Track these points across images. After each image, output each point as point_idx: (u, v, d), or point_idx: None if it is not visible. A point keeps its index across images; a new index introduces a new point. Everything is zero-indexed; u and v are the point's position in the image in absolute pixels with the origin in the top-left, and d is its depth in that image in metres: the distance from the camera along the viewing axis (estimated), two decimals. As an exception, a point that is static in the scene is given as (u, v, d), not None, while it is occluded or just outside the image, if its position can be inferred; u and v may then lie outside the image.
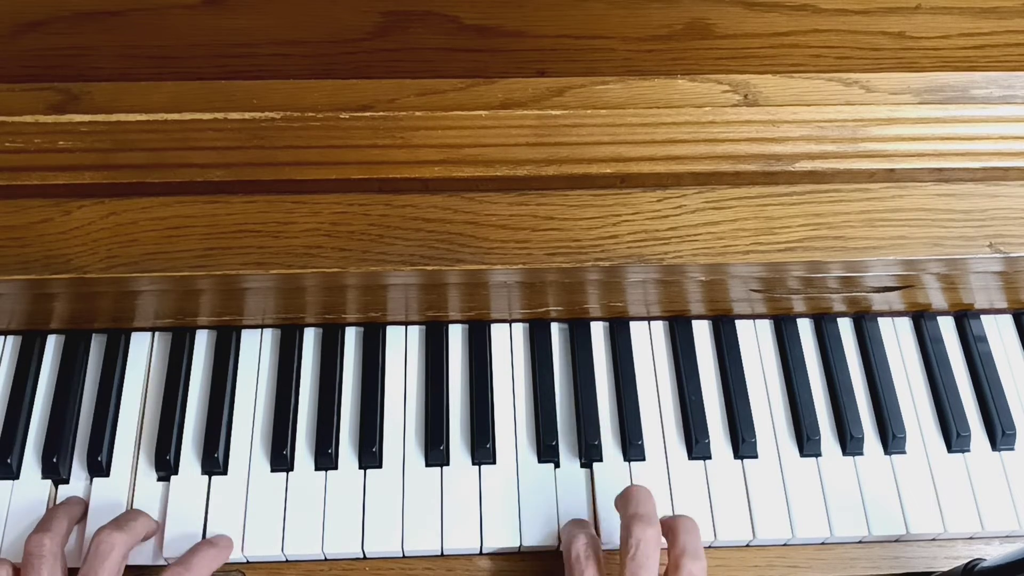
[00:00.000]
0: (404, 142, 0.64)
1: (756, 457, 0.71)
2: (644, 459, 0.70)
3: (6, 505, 0.67)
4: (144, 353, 0.73)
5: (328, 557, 0.67)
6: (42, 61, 0.64)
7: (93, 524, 0.65)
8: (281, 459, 0.68)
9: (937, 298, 0.75)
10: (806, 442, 0.71)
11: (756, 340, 0.76)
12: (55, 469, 0.68)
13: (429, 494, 0.68)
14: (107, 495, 0.67)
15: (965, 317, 0.77)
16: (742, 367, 0.74)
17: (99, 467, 0.68)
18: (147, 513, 0.65)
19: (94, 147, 0.63)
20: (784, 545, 0.69)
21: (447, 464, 0.69)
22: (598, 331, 0.76)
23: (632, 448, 0.70)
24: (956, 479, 0.70)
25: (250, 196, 0.63)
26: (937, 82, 0.68)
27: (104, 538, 0.59)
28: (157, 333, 0.74)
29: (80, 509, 0.66)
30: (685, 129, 0.65)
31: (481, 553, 0.67)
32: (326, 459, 0.69)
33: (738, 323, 0.76)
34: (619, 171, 0.64)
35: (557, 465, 0.70)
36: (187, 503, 0.67)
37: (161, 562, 0.65)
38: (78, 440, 0.70)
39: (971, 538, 0.69)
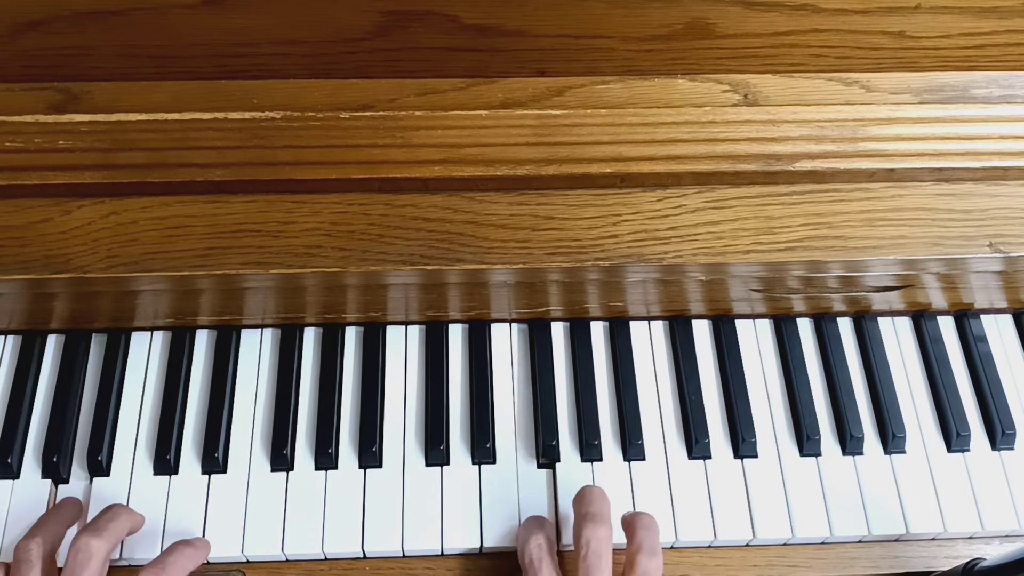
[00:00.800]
0: (404, 142, 0.64)
1: (756, 457, 0.71)
2: (644, 459, 0.70)
3: (6, 505, 0.67)
4: (144, 353, 0.73)
5: (328, 557, 0.67)
6: (42, 61, 0.64)
7: (93, 524, 0.65)
8: (281, 459, 0.68)
9: (937, 298, 0.75)
10: (806, 442, 0.71)
11: (756, 340, 0.76)
12: (55, 469, 0.68)
13: (429, 494, 0.68)
14: (107, 495, 0.67)
15: (965, 317, 0.77)
16: (742, 367, 0.74)
17: (99, 467, 0.68)
18: (128, 508, 0.65)
19: (94, 147, 0.63)
20: (784, 545, 0.69)
21: (447, 464, 0.69)
22: (598, 331, 0.76)
23: (632, 448, 0.70)
24: (956, 479, 0.70)
25: (250, 196, 0.63)
26: (937, 82, 0.68)
27: (82, 546, 0.58)
28: (157, 333, 0.74)
29: (75, 512, 0.65)
30: (685, 129, 0.65)
31: (481, 553, 0.67)
32: (326, 459, 0.69)
33: (738, 323, 0.76)
34: (619, 171, 0.64)
35: (557, 464, 0.70)
36: (187, 503, 0.67)
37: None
38: (78, 440, 0.70)
39: (971, 538, 0.69)
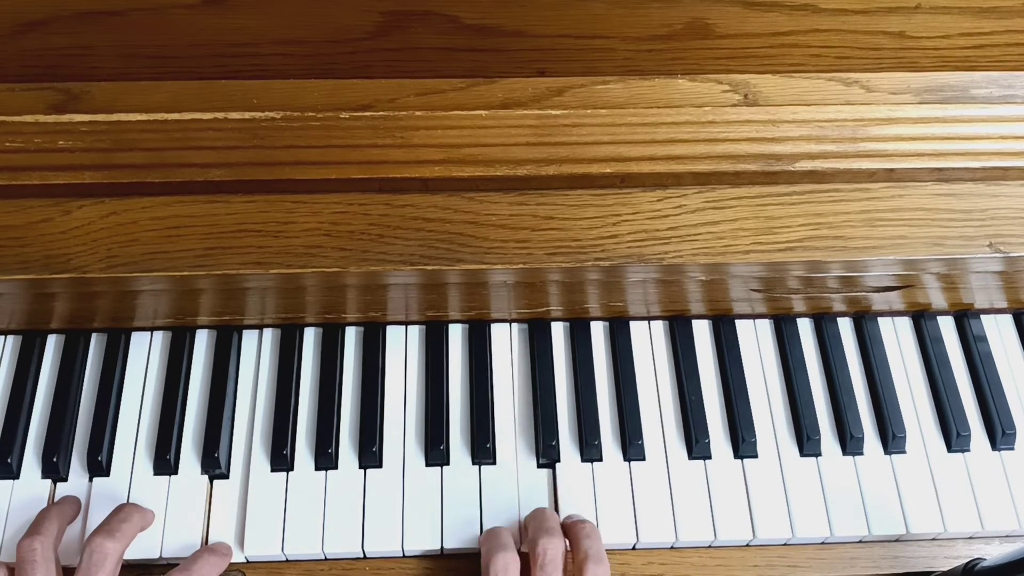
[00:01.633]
0: (404, 142, 0.64)
1: (756, 457, 0.71)
2: (644, 459, 0.70)
3: (6, 505, 0.67)
4: (144, 353, 0.73)
5: (328, 557, 0.67)
6: (42, 61, 0.64)
7: (94, 525, 0.64)
8: (281, 459, 0.68)
9: (937, 298, 0.75)
10: (806, 442, 0.71)
11: (756, 340, 0.76)
12: (55, 469, 0.68)
13: (429, 494, 0.68)
14: (107, 495, 0.67)
15: (965, 317, 0.77)
16: (742, 367, 0.74)
17: (99, 467, 0.68)
18: (140, 506, 0.65)
19: (94, 147, 0.63)
20: (784, 545, 0.69)
21: (447, 464, 0.69)
22: (598, 331, 0.76)
23: (632, 448, 0.70)
24: (956, 479, 0.70)
25: (250, 196, 0.63)
26: (937, 82, 0.68)
27: (96, 548, 0.59)
28: (157, 333, 0.74)
29: (73, 509, 0.65)
30: (685, 129, 0.65)
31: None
32: (326, 459, 0.69)
33: (738, 323, 0.76)
34: (619, 171, 0.64)
35: (557, 464, 0.70)
36: (187, 503, 0.67)
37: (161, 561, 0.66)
38: (78, 440, 0.70)
39: (971, 538, 0.69)
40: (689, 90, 0.67)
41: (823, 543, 0.69)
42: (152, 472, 0.68)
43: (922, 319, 0.77)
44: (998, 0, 0.64)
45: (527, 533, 0.65)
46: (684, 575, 0.67)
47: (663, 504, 0.68)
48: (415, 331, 0.75)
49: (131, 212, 0.63)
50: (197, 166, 0.63)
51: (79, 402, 0.71)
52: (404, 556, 0.67)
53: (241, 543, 0.66)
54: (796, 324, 0.76)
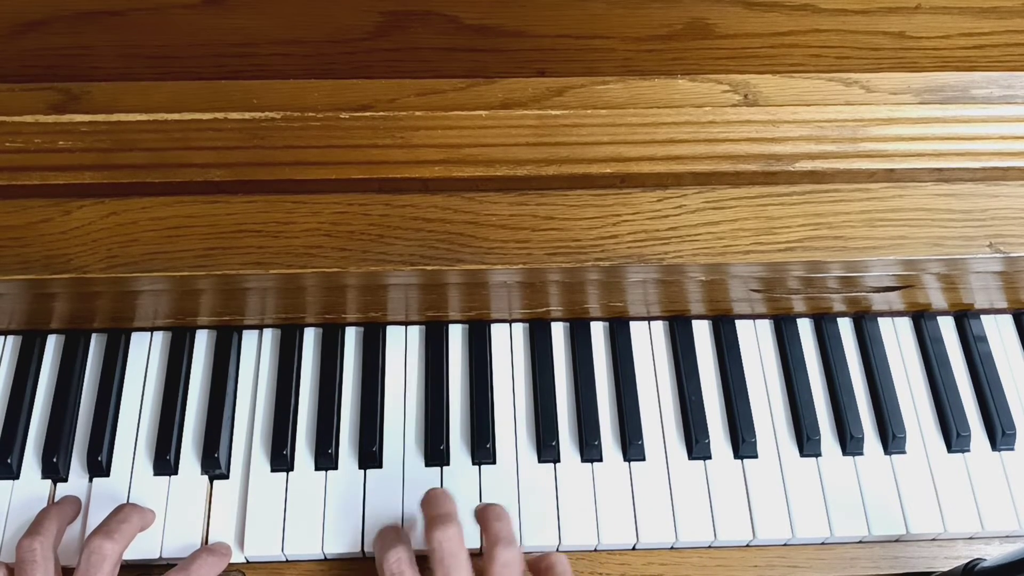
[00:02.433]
0: (404, 142, 0.64)
1: (756, 457, 0.71)
2: (644, 459, 0.70)
3: (6, 505, 0.67)
4: (144, 353, 0.73)
5: (328, 557, 0.67)
6: (42, 61, 0.64)
7: (94, 525, 0.64)
8: (281, 459, 0.68)
9: (937, 298, 0.75)
10: (806, 442, 0.71)
11: (756, 340, 0.76)
12: (55, 469, 0.68)
13: (429, 494, 0.68)
14: (107, 495, 0.67)
15: (965, 317, 0.77)
16: (742, 367, 0.74)
17: (99, 467, 0.68)
18: (140, 507, 0.65)
19: (94, 147, 0.63)
20: (784, 545, 0.69)
21: (447, 464, 0.69)
22: (598, 331, 0.76)
23: (632, 448, 0.70)
24: (956, 479, 0.70)
25: (250, 196, 0.63)
26: (937, 82, 0.68)
27: (95, 549, 0.59)
28: (157, 333, 0.74)
29: (73, 509, 0.65)
30: (685, 129, 0.65)
31: (481, 552, 0.67)
32: (326, 459, 0.69)
33: (738, 323, 0.76)
34: (619, 171, 0.64)
35: (557, 464, 0.70)
36: (187, 503, 0.67)
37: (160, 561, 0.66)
38: (78, 440, 0.70)
39: (971, 538, 0.69)
40: (689, 90, 0.67)
41: (823, 543, 0.69)
42: (152, 472, 0.68)
43: (922, 319, 0.77)
44: (998, 0, 0.64)
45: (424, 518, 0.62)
46: (684, 575, 0.67)
47: (663, 504, 0.68)
48: (415, 331, 0.75)
49: (131, 212, 0.63)
50: (197, 166, 0.63)
51: (79, 402, 0.71)
52: (404, 556, 0.67)
53: (241, 543, 0.66)
54: (796, 324, 0.76)
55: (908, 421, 0.72)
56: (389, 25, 0.63)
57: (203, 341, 0.74)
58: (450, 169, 0.63)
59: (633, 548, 0.68)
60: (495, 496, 0.68)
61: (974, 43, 0.67)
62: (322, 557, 0.67)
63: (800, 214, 0.65)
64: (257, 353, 0.74)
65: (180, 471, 0.69)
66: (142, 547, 0.65)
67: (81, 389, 0.72)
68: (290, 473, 0.69)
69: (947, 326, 0.77)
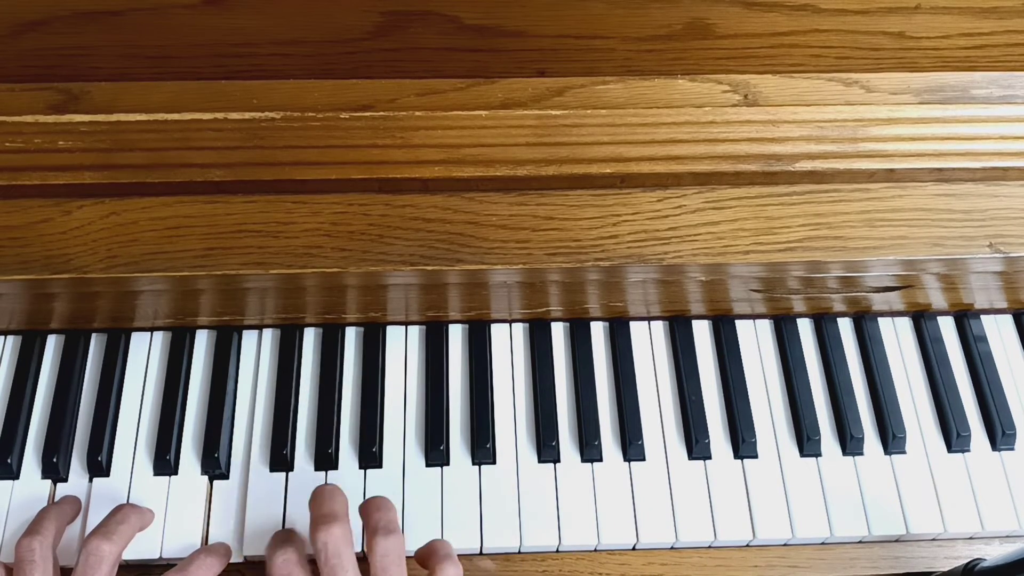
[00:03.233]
0: (404, 142, 0.64)
1: (756, 457, 0.71)
2: (644, 459, 0.70)
3: (6, 505, 0.67)
4: (144, 353, 0.73)
5: (328, 557, 0.67)
6: (42, 61, 0.64)
7: (94, 525, 0.64)
8: (281, 459, 0.68)
9: (937, 298, 0.75)
10: (806, 442, 0.71)
11: (756, 340, 0.76)
12: (55, 469, 0.68)
13: (429, 494, 0.68)
14: (107, 495, 0.67)
15: (965, 317, 0.77)
16: (742, 367, 0.74)
17: (99, 467, 0.68)
18: (139, 507, 0.65)
19: (94, 147, 0.63)
20: (784, 545, 0.69)
21: (447, 464, 0.69)
22: (598, 331, 0.76)
23: (632, 448, 0.70)
24: (956, 479, 0.70)
25: (250, 196, 0.63)
26: (937, 82, 0.68)
27: (93, 550, 0.58)
28: (157, 333, 0.74)
29: (73, 509, 0.65)
30: (685, 129, 0.65)
31: (481, 553, 0.67)
32: (326, 459, 0.69)
33: (738, 323, 0.76)
34: (619, 171, 0.64)
35: (557, 464, 0.70)
36: (187, 503, 0.67)
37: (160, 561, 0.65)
38: (78, 440, 0.70)
39: (971, 538, 0.69)
40: (689, 90, 0.67)
41: (823, 543, 0.69)
42: (152, 472, 0.68)
43: (922, 319, 0.77)
44: (998, 0, 0.64)
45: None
46: (684, 575, 0.67)
47: (663, 504, 0.68)
48: (415, 331, 0.75)
49: (131, 212, 0.63)
50: (197, 166, 0.63)
51: (79, 402, 0.71)
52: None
53: (241, 543, 0.66)
54: (796, 324, 0.76)
55: (908, 421, 0.72)
56: (389, 25, 0.63)
57: (203, 341, 0.74)
58: (450, 169, 0.63)
59: (633, 548, 0.68)
60: (496, 496, 0.68)
61: (974, 43, 0.67)
62: (322, 557, 0.66)
63: (800, 214, 0.65)
64: (257, 353, 0.74)
65: (180, 471, 0.69)
66: (142, 547, 0.65)
67: (81, 389, 0.72)
68: (290, 473, 0.69)
69: (947, 326, 0.77)
